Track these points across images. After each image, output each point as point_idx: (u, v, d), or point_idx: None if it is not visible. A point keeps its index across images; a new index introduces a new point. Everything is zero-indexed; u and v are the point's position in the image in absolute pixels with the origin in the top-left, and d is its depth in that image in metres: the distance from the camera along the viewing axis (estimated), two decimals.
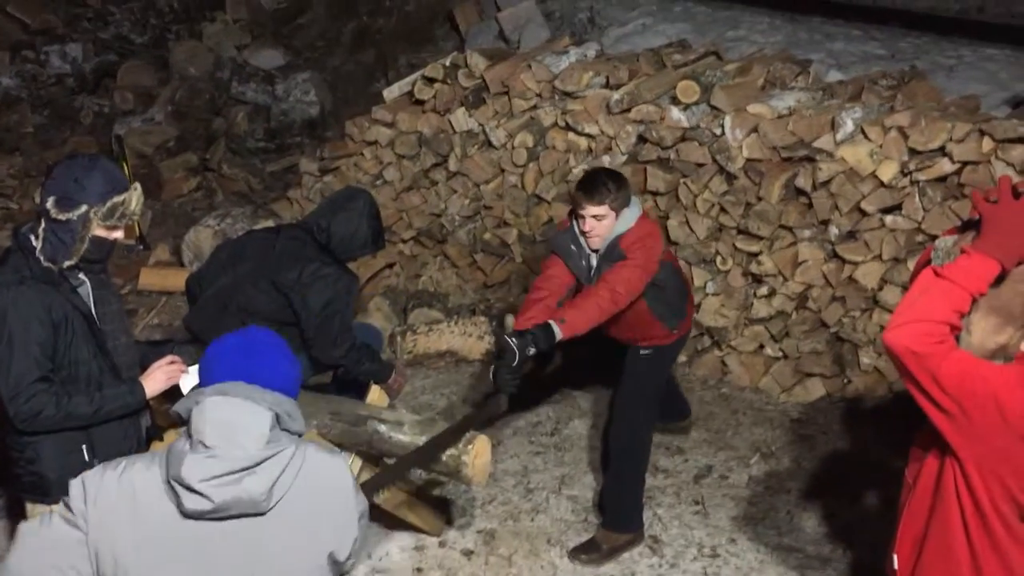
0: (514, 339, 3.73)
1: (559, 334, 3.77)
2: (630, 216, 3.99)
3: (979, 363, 2.35)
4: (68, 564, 2.07)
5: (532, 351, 3.73)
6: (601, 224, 3.94)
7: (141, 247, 7.14)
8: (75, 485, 2.10)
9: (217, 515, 2.03)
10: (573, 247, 4.09)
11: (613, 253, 3.99)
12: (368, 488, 3.15)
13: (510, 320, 3.88)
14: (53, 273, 3.01)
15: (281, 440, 2.09)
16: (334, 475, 2.18)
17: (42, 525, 2.11)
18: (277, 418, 2.10)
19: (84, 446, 3.08)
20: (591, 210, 3.92)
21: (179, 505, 2.03)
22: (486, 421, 4.32)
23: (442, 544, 4.25)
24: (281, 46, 10.08)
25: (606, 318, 3.92)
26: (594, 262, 4.08)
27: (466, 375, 5.77)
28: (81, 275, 3.10)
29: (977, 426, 2.33)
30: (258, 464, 2.04)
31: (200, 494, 2.00)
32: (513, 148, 6.10)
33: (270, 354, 2.17)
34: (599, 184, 3.93)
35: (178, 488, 2.02)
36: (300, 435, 2.18)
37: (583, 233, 4.01)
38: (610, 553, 4.19)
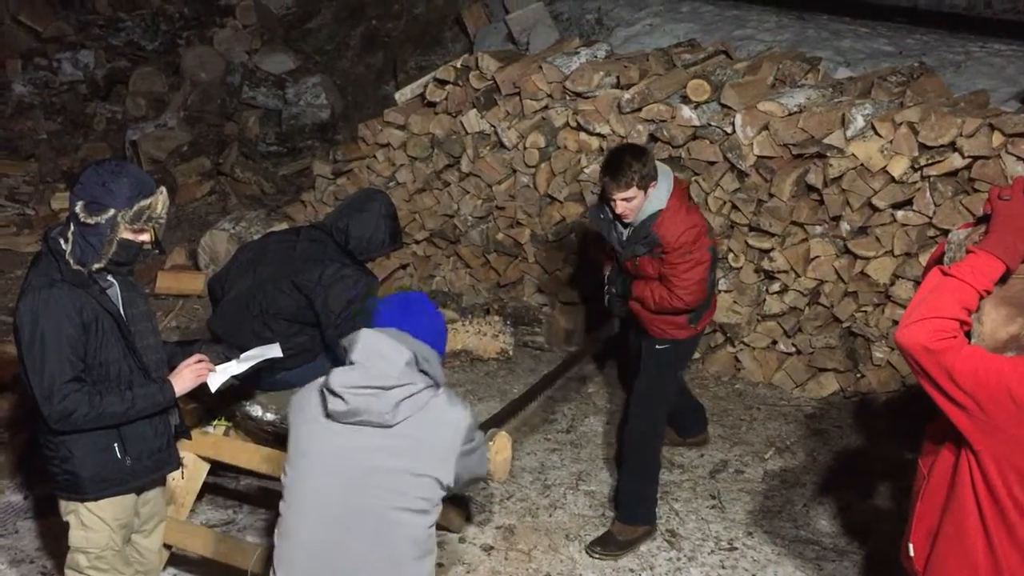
0: (611, 271, 4.39)
1: (632, 293, 4.27)
2: (661, 194, 4.01)
3: (992, 357, 2.39)
4: None
5: (615, 290, 4.36)
6: (632, 204, 3.99)
7: (157, 251, 7.19)
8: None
9: (350, 419, 2.59)
10: (601, 216, 4.21)
11: (647, 238, 4.04)
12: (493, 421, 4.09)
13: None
14: (83, 275, 3.07)
15: (415, 376, 2.60)
16: (449, 418, 2.65)
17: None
18: (415, 358, 2.61)
19: (116, 444, 3.13)
20: (620, 194, 3.96)
21: (325, 407, 2.61)
22: (604, 341, 5.03)
23: (462, 540, 4.30)
24: (291, 50, 10.15)
25: (666, 312, 4.18)
26: (624, 231, 4.16)
27: (481, 373, 5.83)
28: (110, 277, 3.15)
29: (993, 419, 2.38)
30: (390, 387, 2.56)
31: (339, 397, 2.57)
32: (525, 149, 6.16)
33: (420, 311, 2.75)
34: (624, 168, 3.93)
35: (327, 393, 2.60)
36: (438, 382, 2.66)
37: (616, 217, 4.08)
38: (626, 546, 4.24)
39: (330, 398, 2.58)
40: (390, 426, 2.58)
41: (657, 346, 4.27)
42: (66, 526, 3.27)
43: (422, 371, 2.62)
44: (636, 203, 4.00)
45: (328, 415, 2.61)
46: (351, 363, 2.59)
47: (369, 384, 2.55)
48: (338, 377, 2.58)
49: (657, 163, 4.09)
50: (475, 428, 2.74)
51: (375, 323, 2.71)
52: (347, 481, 2.60)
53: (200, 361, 3.27)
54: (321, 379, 2.69)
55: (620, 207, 4.00)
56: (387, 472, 2.59)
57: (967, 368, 2.35)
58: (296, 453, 2.70)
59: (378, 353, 2.59)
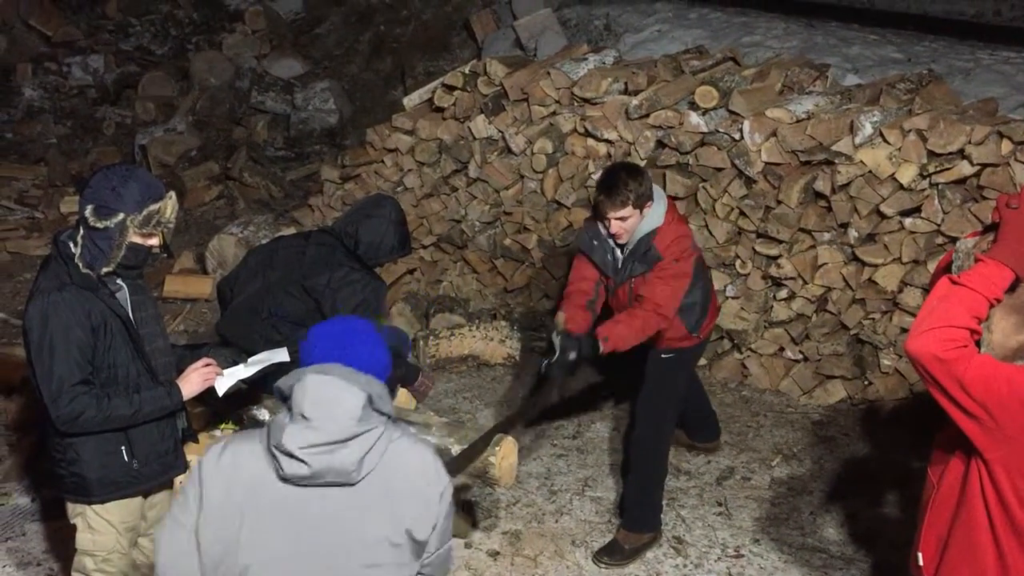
0: (559, 337, 3.86)
1: (601, 349, 3.86)
2: (658, 212, 4.00)
3: (1002, 365, 2.39)
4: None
5: (573, 356, 3.83)
6: (627, 223, 3.96)
7: (166, 255, 7.21)
8: (194, 467, 2.37)
9: (312, 481, 2.24)
10: (596, 242, 4.13)
11: (648, 255, 4.00)
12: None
13: (561, 318, 3.95)
14: (92, 279, 3.08)
15: (372, 419, 2.28)
16: (418, 458, 2.36)
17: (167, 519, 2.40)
18: (370, 399, 2.28)
19: (123, 447, 3.14)
20: (615, 214, 3.94)
21: (278, 470, 2.25)
22: (534, 415, 4.54)
23: (468, 545, 4.30)
24: (299, 55, 10.19)
25: (650, 335, 3.99)
26: (619, 255, 4.10)
27: (488, 379, 5.83)
28: (119, 280, 3.17)
29: (1004, 427, 2.37)
30: (351, 438, 2.23)
31: (299, 460, 2.22)
32: (532, 154, 6.16)
33: (364, 341, 2.38)
34: (619, 187, 3.90)
35: (278, 455, 2.24)
36: (389, 417, 2.35)
37: (611, 235, 4.04)
38: (632, 554, 4.23)
39: (285, 461, 2.23)
40: (354, 484, 2.26)
41: (662, 355, 4.26)
42: (73, 529, 3.28)
43: (377, 410, 2.31)
44: (631, 223, 3.96)
45: (283, 479, 2.25)
46: (302, 417, 2.23)
47: (327, 440, 2.22)
48: (291, 437, 2.22)
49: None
50: (444, 471, 2.44)
51: (311, 358, 2.35)
52: (314, 551, 2.28)
53: (208, 365, 3.28)
54: (241, 441, 2.34)
55: (614, 226, 3.96)
56: (359, 533, 2.28)
57: (978, 377, 2.35)
58: (239, 531, 2.26)
59: (333, 401, 2.24)
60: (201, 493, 2.30)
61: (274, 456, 2.25)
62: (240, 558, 2.27)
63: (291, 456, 2.22)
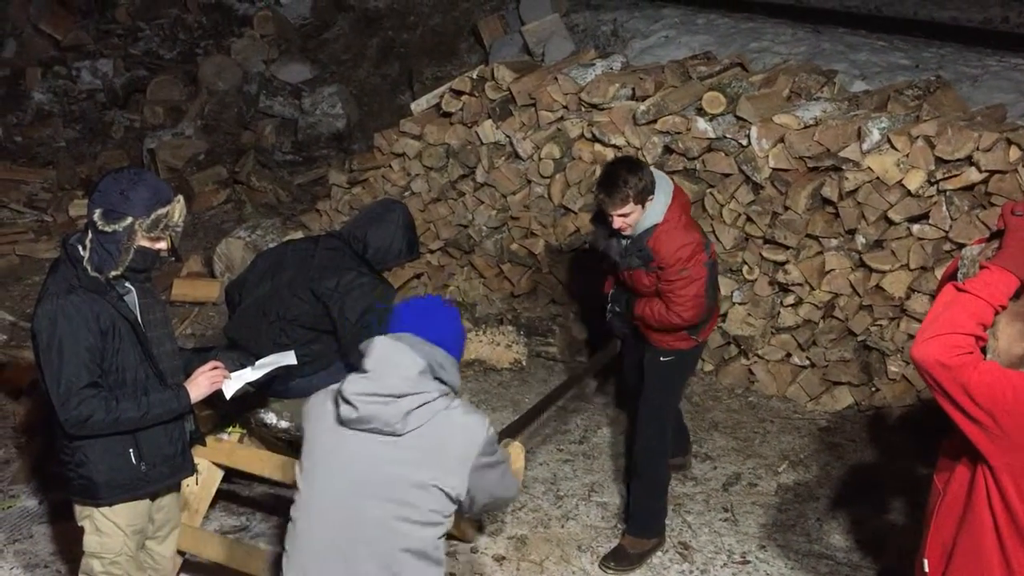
0: (614, 290, 4.41)
1: (635, 310, 4.25)
2: (658, 208, 4.00)
3: (1008, 372, 2.39)
4: None
5: (619, 308, 4.37)
6: (629, 218, 3.98)
7: (174, 258, 7.22)
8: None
9: (359, 425, 2.58)
10: (603, 228, 4.21)
11: (642, 252, 4.03)
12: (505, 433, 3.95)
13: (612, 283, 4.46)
14: (100, 282, 3.09)
15: (428, 384, 2.59)
16: (467, 426, 2.62)
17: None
18: (430, 367, 2.59)
19: (131, 450, 3.15)
20: (616, 211, 3.95)
21: (337, 412, 2.61)
22: (607, 362, 4.94)
23: (474, 550, 4.30)
24: (308, 60, 10.22)
25: (667, 329, 4.18)
26: (623, 241, 4.15)
27: (494, 383, 5.83)
28: (127, 284, 3.18)
29: (1010, 434, 2.37)
30: (401, 396, 2.55)
31: (351, 404, 2.57)
32: (540, 159, 6.17)
33: (439, 316, 2.71)
34: (618, 184, 3.91)
35: (338, 399, 2.61)
36: (453, 388, 2.65)
37: (615, 231, 4.08)
38: (638, 559, 4.23)
39: (342, 404, 2.59)
40: (400, 435, 2.56)
41: (661, 358, 4.26)
42: (81, 531, 3.29)
43: (437, 379, 2.61)
44: (634, 217, 3.98)
45: (340, 421, 2.61)
46: (364, 370, 2.59)
47: (380, 392, 2.54)
48: (351, 384, 2.58)
49: (657, 174, 4.06)
50: (495, 442, 2.69)
51: (394, 327, 2.68)
52: (354, 488, 2.59)
53: (215, 368, 3.29)
54: (335, 386, 2.69)
55: (617, 222, 3.98)
56: (392, 481, 2.57)
57: (983, 383, 2.35)
58: (308, 458, 2.70)
59: (391, 361, 2.57)
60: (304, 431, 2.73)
61: (336, 402, 2.61)
62: (303, 480, 2.67)
63: (346, 401, 2.56)
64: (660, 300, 4.12)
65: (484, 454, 2.62)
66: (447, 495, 2.59)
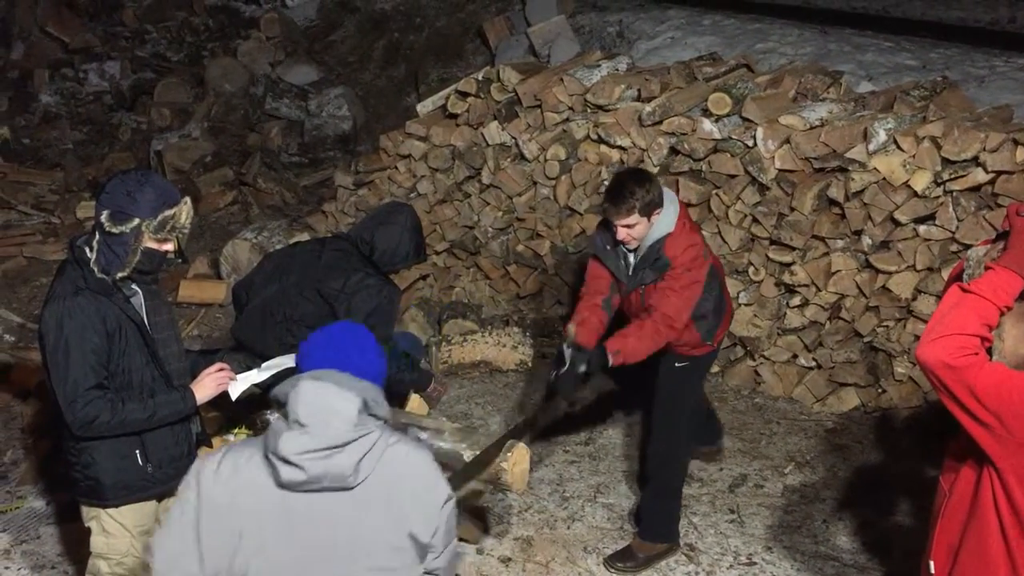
0: (570, 350, 3.90)
1: (611, 362, 3.90)
2: (668, 219, 3.97)
3: (1014, 373, 2.38)
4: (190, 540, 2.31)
5: (583, 368, 3.88)
6: (635, 230, 3.95)
7: (180, 260, 7.24)
8: (190, 472, 2.36)
9: (309, 487, 2.24)
10: (609, 247, 4.13)
11: (658, 262, 3.98)
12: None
13: (572, 330, 4.00)
14: (107, 284, 3.10)
15: (368, 423, 2.28)
16: (417, 462, 2.36)
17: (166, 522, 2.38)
18: (364, 404, 2.28)
19: (137, 451, 3.16)
20: (621, 221, 3.92)
21: (276, 477, 2.25)
22: (545, 423, 4.54)
23: (479, 551, 4.30)
24: (314, 62, 10.24)
25: (661, 346, 4.00)
26: (632, 260, 4.09)
27: (500, 384, 5.83)
28: (134, 286, 3.19)
29: (1016, 435, 2.36)
30: (347, 443, 2.23)
31: (295, 466, 2.22)
32: (545, 161, 6.17)
33: (360, 347, 2.39)
34: (625, 195, 3.88)
35: (275, 461, 2.24)
36: (385, 421, 2.35)
37: (620, 242, 4.04)
38: (646, 562, 4.22)
39: (282, 467, 2.23)
40: (352, 488, 2.26)
41: (676, 364, 4.23)
42: (87, 532, 3.30)
43: (371, 415, 2.31)
44: (638, 230, 3.94)
45: (281, 485, 2.25)
46: (298, 424, 2.23)
47: (323, 446, 2.22)
48: (288, 443, 2.21)
49: (663, 189, 4.04)
50: (443, 477, 2.43)
51: (309, 364, 2.36)
52: (315, 558, 2.27)
53: (222, 370, 3.30)
54: (239, 449, 2.34)
55: (621, 233, 3.95)
56: (356, 542, 2.28)
57: (989, 385, 2.34)
58: (238, 537, 2.26)
59: (327, 408, 2.24)
60: (199, 500, 2.29)
61: (271, 463, 2.25)
62: (241, 566, 2.27)
63: (287, 462, 2.22)
64: (643, 324, 3.95)
65: (445, 488, 2.39)
66: (416, 541, 2.33)
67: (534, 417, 4.36)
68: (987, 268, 2.47)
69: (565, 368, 3.89)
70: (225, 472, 2.29)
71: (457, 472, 3.79)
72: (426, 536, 2.33)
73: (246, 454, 2.31)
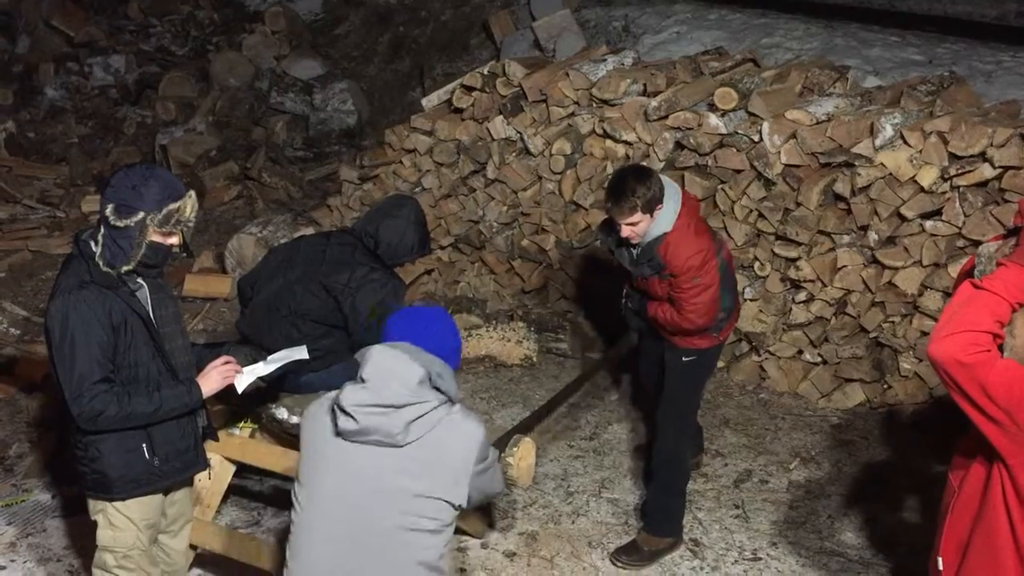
0: (627, 287, 4.39)
1: (649, 312, 4.22)
2: (666, 215, 3.97)
3: None
4: None
5: (631, 305, 4.37)
6: (637, 228, 3.96)
7: (185, 254, 7.28)
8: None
9: (360, 437, 2.54)
10: (610, 237, 4.20)
11: (652, 261, 4.02)
12: (515, 431, 4.02)
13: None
14: (112, 277, 3.10)
15: (428, 394, 2.55)
16: (462, 437, 2.60)
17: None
18: (428, 375, 2.55)
19: (144, 445, 3.16)
20: (624, 220, 3.93)
21: (335, 424, 2.56)
22: (623, 355, 4.88)
23: (484, 546, 4.31)
24: (319, 56, 10.22)
25: (680, 332, 4.15)
26: (633, 252, 4.14)
27: (505, 379, 5.83)
28: (139, 279, 3.19)
29: None
30: (402, 406, 2.50)
31: (350, 416, 2.52)
32: (551, 155, 6.16)
33: (436, 325, 2.68)
34: (626, 193, 3.87)
35: (337, 410, 2.55)
36: (451, 397, 2.61)
37: (623, 239, 4.06)
38: (651, 557, 4.22)
39: (340, 416, 2.54)
40: (401, 446, 2.52)
41: (683, 357, 4.22)
42: (94, 525, 3.31)
43: (435, 388, 2.57)
44: (642, 227, 3.95)
45: (338, 433, 2.57)
46: (361, 380, 2.54)
47: (379, 403, 2.50)
48: (348, 395, 2.53)
49: (666, 181, 4.03)
50: (488, 445, 2.68)
51: (390, 336, 2.64)
52: (356, 501, 2.56)
53: (227, 363, 3.30)
54: (331, 394, 2.64)
55: (625, 231, 3.97)
56: (397, 493, 2.54)
57: (1001, 382, 2.33)
58: (307, 470, 2.65)
59: (389, 371, 2.53)
60: (302, 433, 2.69)
61: (333, 412, 2.56)
62: (302, 493, 2.62)
63: (344, 412, 2.52)
64: (671, 305, 4.10)
65: (480, 460, 2.62)
66: (450, 504, 2.58)
67: (610, 355, 4.85)
68: (999, 264, 2.45)
69: (625, 293, 4.38)
70: (309, 417, 2.67)
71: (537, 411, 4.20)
72: (459, 499, 2.59)
73: (326, 404, 2.64)
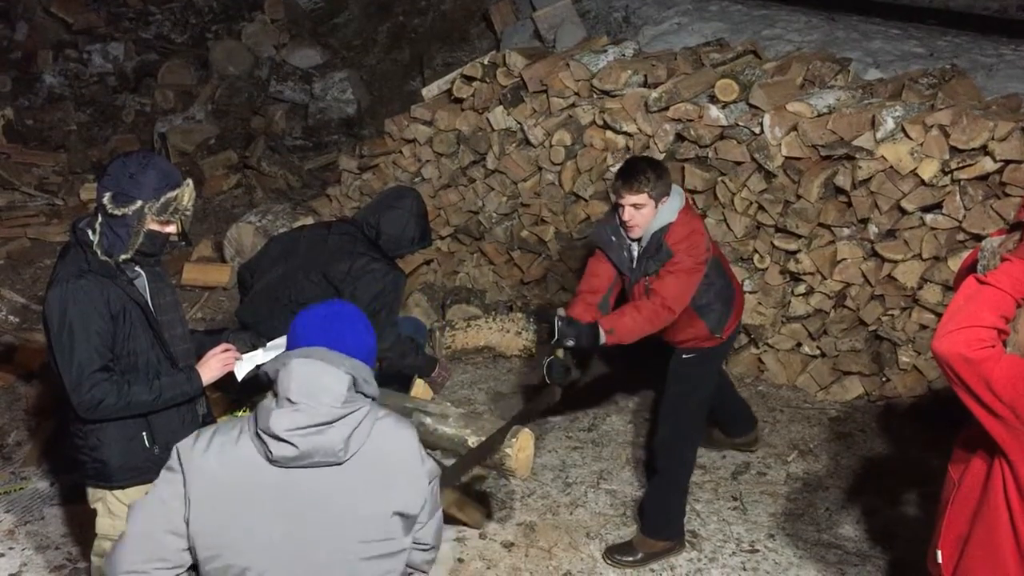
0: (560, 323, 3.89)
1: (603, 340, 3.87)
2: (672, 208, 3.96)
3: None
4: (168, 523, 2.31)
5: (571, 343, 3.87)
6: (640, 214, 3.92)
7: (184, 243, 7.24)
8: (172, 451, 2.37)
9: (300, 462, 2.28)
10: (614, 238, 4.10)
11: (660, 252, 3.97)
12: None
13: (561, 312, 4.00)
14: (110, 266, 3.10)
15: (357, 400, 2.33)
16: (403, 436, 2.41)
17: (149, 492, 2.39)
18: (354, 381, 2.33)
19: (144, 433, 3.16)
20: (630, 199, 3.90)
21: (267, 454, 2.27)
22: (540, 412, 4.48)
23: (483, 536, 4.31)
24: (318, 45, 10.20)
25: (656, 330, 3.98)
26: (635, 252, 4.07)
27: (503, 370, 5.83)
28: (137, 268, 3.18)
29: None
30: (336, 420, 2.28)
31: (287, 442, 2.25)
32: (551, 146, 6.15)
33: (350, 325, 2.42)
34: (638, 173, 3.89)
35: (266, 438, 2.27)
36: (373, 399, 2.40)
37: (623, 223, 4.00)
38: (646, 559, 4.16)
39: (273, 444, 2.25)
40: (342, 463, 2.29)
41: (684, 356, 4.20)
42: (93, 513, 3.31)
43: (359, 392, 2.36)
44: (645, 213, 3.92)
45: (271, 461, 2.27)
46: (288, 401, 2.27)
47: (314, 423, 2.25)
48: (279, 420, 2.25)
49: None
50: (423, 452, 2.46)
51: (298, 341, 2.38)
52: (305, 532, 2.30)
53: (227, 350, 3.30)
54: (225, 427, 2.36)
55: (628, 213, 3.92)
56: (345, 515, 2.31)
57: (1005, 377, 2.33)
58: (225, 518, 2.28)
59: (319, 386, 2.28)
60: (185, 481, 2.29)
61: (262, 440, 2.28)
62: (234, 544, 2.28)
63: (278, 439, 2.25)
64: (639, 305, 3.95)
65: (427, 462, 2.43)
66: (404, 516, 2.37)
67: (529, 409, 4.32)
68: (1003, 259, 2.44)
69: (554, 340, 3.87)
70: (212, 454, 2.30)
71: (462, 457, 3.80)
72: (414, 509, 2.38)
73: (235, 432, 2.33)
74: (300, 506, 2.29)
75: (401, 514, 2.36)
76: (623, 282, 4.17)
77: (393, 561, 2.38)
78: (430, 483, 2.43)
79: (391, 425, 2.40)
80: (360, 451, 2.32)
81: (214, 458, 2.29)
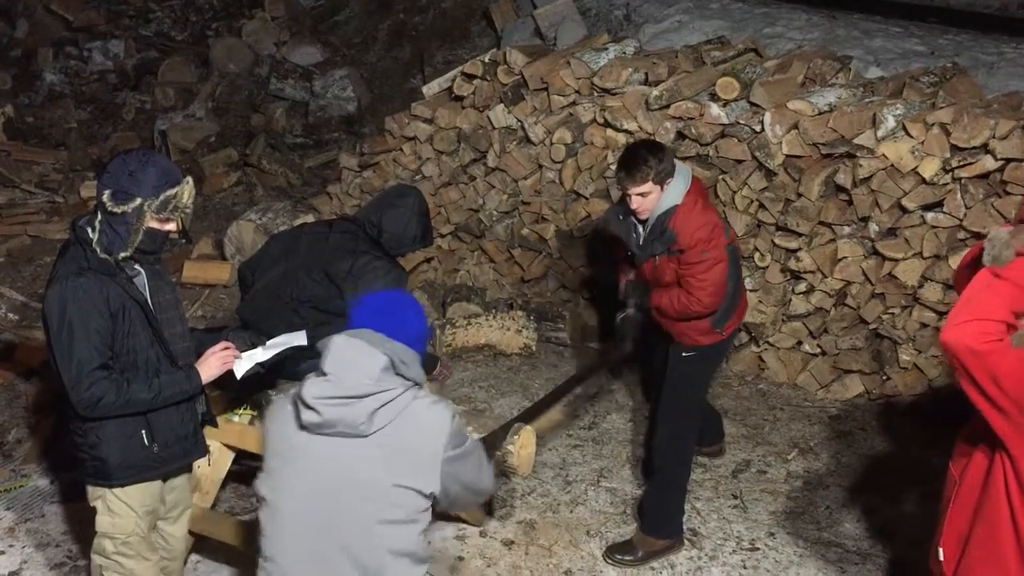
0: (628, 285, 4.33)
1: (652, 301, 4.18)
2: (677, 190, 3.98)
3: None
4: None
5: (634, 302, 4.27)
6: (647, 199, 3.96)
7: (184, 240, 7.25)
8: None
9: (324, 430, 2.50)
10: (622, 217, 4.19)
11: (664, 235, 3.99)
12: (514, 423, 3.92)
13: (631, 275, 4.41)
14: (110, 264, 3.09)
15: (391, 381, 2.50)
16: (429, 423, 2.55)
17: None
18: (391, 363, 2.50)
19: (143, 431, 3.16)
20: (635, 189, 3.94)
21: (298, 418, 2.53)
22: (615, 364, 4.86)
23: (483, 534, 4.31)
24: (319, 43, 10.18)
25: (687, 318, 4.11)
26: (641, 231, 4.12)
27: (504, 368, 5.83)
28: (137, 266, 3.18)
29: None
30: (364, 396, 2.46)
31: (312, 409, 2.48)
32: (551, 144, 6.14)
33: (400, 311, 2.61)
34: (639, 162, 3.91)
35: (299, 403, 2.52)
36: (416, 383, 2.56)
37: (632, 211, 4.05)
38: (645, 558, 4.16)
39: (303, 410, 2.50)
40: (366, 436, 2.48)
41: (683, 353, 4.20)
42: (93, 511, 3.30)
43: (399, 375, 2.52)
44: (651, 199, 3.96)
45: (303, 427, 2.52)
46: (323, 372, 2.49)
47: (341, 395, 2.45)
48: (310, 388, 2.48)
49: (676, 162, 4.06)
50: (461, 432, 2.62)
51: (351, 324, 2.58)
52: (324, 493, 2.52)
53: (226, 348, 3.30)
54: (295, 389, 2.58)
55: (635, 202, 3.98)
56: (364, 484, 2.50)
57: (1012, 372, 2.32)
58: (273, 465, 2.62)
59: (350, 361, 2.48)
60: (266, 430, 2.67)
61: (296, 405, 2.53)
62: (277, 488, 2.59)
63: (307, 406, 2.48)
64: (679, 288, 4.07)
65: (451, 446, 2.55)
66: (420, 493, 2.53)
67: (603, 361, 4.74)
68: (1018, 253, 2.41)
69: (631, 300, 4.26)
70: (273, 412, 2.66)
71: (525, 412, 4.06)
72: (429, 488, 2.54)
73: (289, 396, 2.60)
74: (321, 470, 2.51)
75: (418, 491, 2.52)
76: (633, 258, 4.24)
77: (408, 528, 2.56)
78: (449, 462, 2.54)
79: (424, 407, 2.54)
80: (387, 428, 2.48)
81: (276, 412, 2.63)
